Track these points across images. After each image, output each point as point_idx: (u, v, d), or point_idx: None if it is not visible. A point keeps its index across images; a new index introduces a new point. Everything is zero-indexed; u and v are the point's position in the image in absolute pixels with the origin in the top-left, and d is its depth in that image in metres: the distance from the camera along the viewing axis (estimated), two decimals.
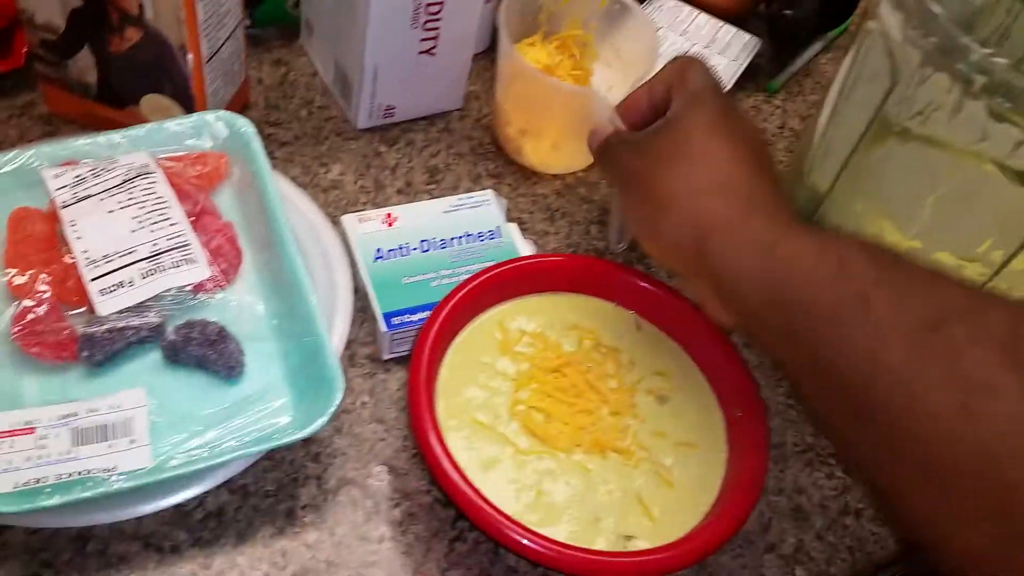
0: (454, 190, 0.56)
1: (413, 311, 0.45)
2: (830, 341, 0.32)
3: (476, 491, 0.37)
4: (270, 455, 0.42)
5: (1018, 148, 0.37)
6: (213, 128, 0.48)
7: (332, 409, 0.38)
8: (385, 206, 0.53)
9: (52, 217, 0.44)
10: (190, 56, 0.47)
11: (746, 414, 0.44)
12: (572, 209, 0.57)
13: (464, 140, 0.59)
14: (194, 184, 0.46)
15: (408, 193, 0.55)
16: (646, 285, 0.48)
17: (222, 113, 0.48)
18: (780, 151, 0.65)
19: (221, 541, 0.39)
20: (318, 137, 0.56)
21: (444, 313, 0.43)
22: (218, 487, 0.40)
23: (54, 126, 0.52)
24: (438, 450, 0.38)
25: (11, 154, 0.45)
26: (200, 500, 0.40)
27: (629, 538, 0.40)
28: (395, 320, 0.45)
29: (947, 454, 0.29)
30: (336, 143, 0.56)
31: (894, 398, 0.30)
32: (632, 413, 0.44)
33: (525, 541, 0.36)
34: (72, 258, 0.41)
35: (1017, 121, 0.37)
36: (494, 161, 0.58)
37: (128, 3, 0.45)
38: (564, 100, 0.54)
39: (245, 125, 0.48)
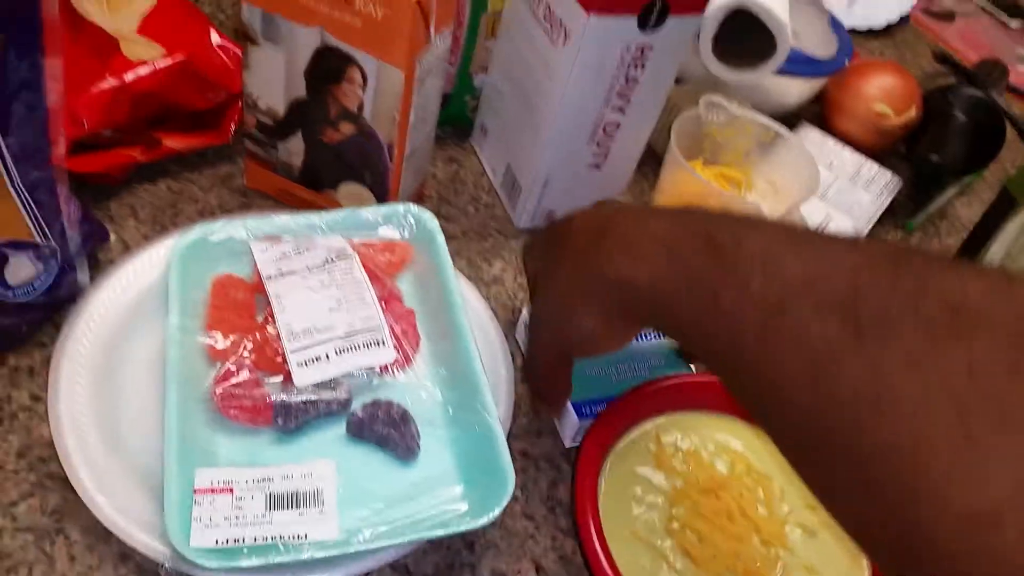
0: None
1: (598, 402, 0.47)
2: (699, 347, 0.33)
3: None
4: (446, 536, 0.43)
5: None
6: (403, 219, 0.51)
7: (506, 499, 0.39)
8: None
9: (253, 287, 0.47)
10: (395, 153, 0.50)
11: None
12: None
13: None
14: (383, 270, 0.49)
15: None
16: None
17: (412, 207, 0.51)
18: None
19: None
20: (483, 233, 0.59)
21: (606, 422, 0.45)
22: (383, 566, 0.41)
23: (249, 199, 0.56)
24: (604, 563, 0.39)
25: (220, 223, 0.49)
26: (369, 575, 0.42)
27: None
28: (584, 409, 0.47)
29: (812, 433, 0.28)
30: (499, 240, 0.59)
31: (759, 393, 0.30)
32: (782, 544, 0.44)
33: None
34: (273, 329, 0.44)
35: None
36: None
37: (350, 101, 0.49)
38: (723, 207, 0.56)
39: (431, 219, 0.51)
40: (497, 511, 0.39)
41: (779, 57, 0.59)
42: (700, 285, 0.32)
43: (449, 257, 0.49)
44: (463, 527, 0.39)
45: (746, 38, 0.58)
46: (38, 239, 0.42)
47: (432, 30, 0.46)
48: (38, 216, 0.42)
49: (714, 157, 0.61)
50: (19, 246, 0.42)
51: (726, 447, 0.48)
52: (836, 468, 0.28)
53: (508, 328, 0.54)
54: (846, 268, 0.29)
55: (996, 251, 0.49)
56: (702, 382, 0.50)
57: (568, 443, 0.49)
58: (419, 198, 0.58)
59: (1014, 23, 1.09)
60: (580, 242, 0.38)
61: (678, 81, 0.63)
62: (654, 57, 0.51)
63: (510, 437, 0.49)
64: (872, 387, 0.26)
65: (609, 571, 0.39)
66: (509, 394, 0.48)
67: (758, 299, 0.30)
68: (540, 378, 0.45)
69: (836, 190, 0.68)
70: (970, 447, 0.24)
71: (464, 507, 0.40)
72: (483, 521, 0.39)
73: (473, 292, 0.52)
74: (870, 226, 0.67)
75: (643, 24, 0.49)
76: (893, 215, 0.70)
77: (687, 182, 0.56)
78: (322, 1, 0.45)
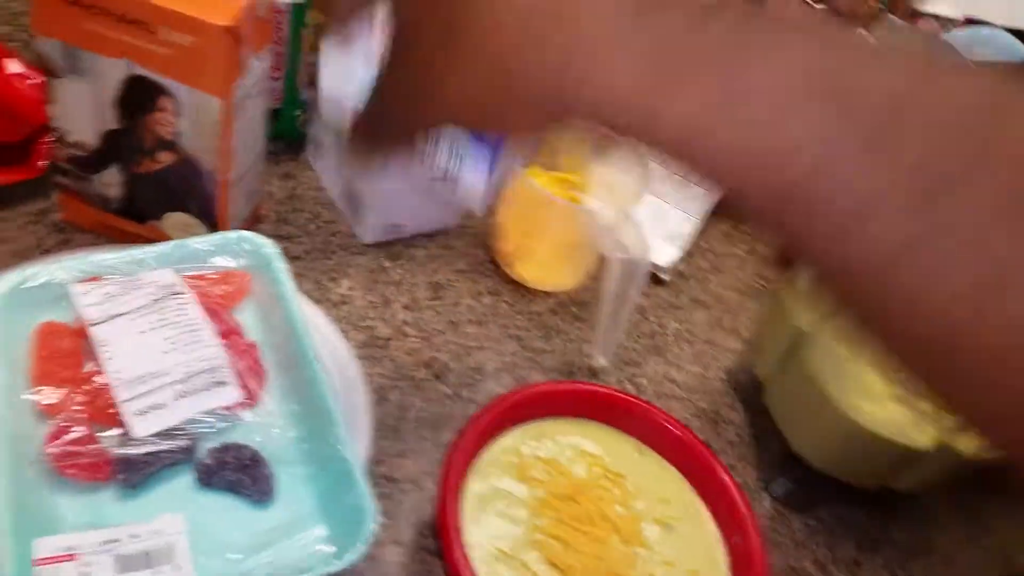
0: (455, 306, 0.58)
1: None
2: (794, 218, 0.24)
3: None
4: None
5: None
6: (236, 247, 0.49)
7: (367, 538, 0.39)
8: (393, 319, 0.55)
9: (79, 332, 0.44)
10: (219, 179, 0.48)
11: (745, 541, 0.46)
12: (566, 328, 0.60)
13: (462, 257, 0.61)
14: (219, 303, 0.47)
15: (414, 308, 0.57)
16: (646, 410, 0.50)
17: (246, 233, 0.49)
18: (749, 275, 0.70)
19: None
20: (326, 251, 0.58)
21: (467, 441, 0.45)
22: None
23: (68, 234, 0.52)
24: None
25: (36, 268, 0.45)
26: None
27: None
28: None
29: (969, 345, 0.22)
30: (344, 258, 0.58)
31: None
32: (640, 542, 0.46)
33: None
34: (103, 378, 0.42)
35: None
36: (491, 278, 0.61)
37: (165, 130, 0.46)
38: (560, 216, 0.57)
39: (268, 245, 0.49)
40: (361, 548, 0.39)
41: None
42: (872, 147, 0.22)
43: (291, 283, 0.48)
44: (323, 570, 0.38)
45: None
46: None
47: (246, 55, 0.44)
48: None
49: (552, 162, 0.62)
50: None
51: (582, 450, 0.49)
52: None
53: (362, 350, 0.53)
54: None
55: None
56: (557, 390, 0.50)
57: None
58: (255, 220, 0.56)
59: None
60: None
61: None
62: None
63: (372, 462, 0.48)
64: None
65: None
66: (367, 421, 0.47)
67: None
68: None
69: (669, 184, 0.70)
70: None
71: (327, 548, 0.39)
72: (346, 561, 0.38)
73: (321, 316, 0.51)
74: (702, 220, 0.70)
75: None
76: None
77: (526, 189, 0.57)
78: (124, 31, 0.42)
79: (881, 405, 0.49)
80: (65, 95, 0.46)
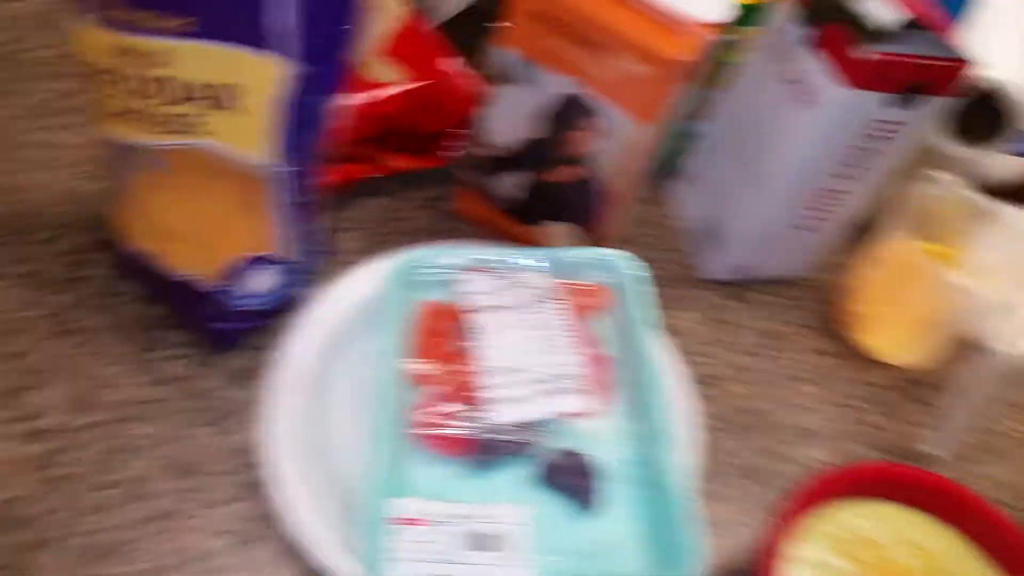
0: (790, 360, 0.57)
1: None
2: None
3: None
4: None
5: None
6: (610, 264, 0.52)
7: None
8: (725, 361, 0.55)
9: (458, 315, 0.49)
10: (614, 200, 0.51)
11: None
12: (905, 407, 0.57)
13: (799, 309, 0.60)
14: (584, 313, 0.50)
15: (748, 352, 0.56)
16: (988, 510, 0.46)
17: (623, 253, 0.51)
18: None
19: None
20: (673, 281, 0.59)
21: (800, 501, 0.44)
22: None
23: (455, 223, 0.58)
24: None
25: (429, 251, 0.50)
26: None
27: None
28: None
29: None
30: (686, 290, 0.59)
31: None
32: None
33: None
34: (474, 362, 0.46)
35: None
36: (830, 338, 0.59)
37: (583, 147, 0.50)
38: (931, 287, 0.53)
39: (636, 267, 0.51)
40: None
41: (1010, 134, 0.56)
42: None
43: (651, 308, 0.50)
44: None
45: (973, 110, 0.56)
46: (284, 254, 0.45)
47: (686, 88, 0.46)
48: (291, 234, 0.44)
49: (927, 231, 0.59)
50: (266, 261, 0.45)
51: (909, 539, 0.46)
52: None
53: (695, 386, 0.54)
54: None
55: None
56: (895, 471, 0.48)
57: None
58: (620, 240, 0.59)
59: None
60: None
61: None
62: (901, 131, 0.50)
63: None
64: None
65: None
66: (693, 456, 0.48)
67: None
68: None
69: None
70: None
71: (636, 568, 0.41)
72: None
73: (666, 345, 0.53)
74: None
75: (903, 103, 0.48)
76: None
77: (900, 251, 0.55)
78: (581, 52, 0.46)
79: None
80: (505, 101, 0.51)
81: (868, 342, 0.58)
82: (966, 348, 0.51)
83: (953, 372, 0.52)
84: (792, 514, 0.44)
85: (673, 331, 0.57)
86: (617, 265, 0.51)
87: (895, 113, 0.49)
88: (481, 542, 0.40)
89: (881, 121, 0.49)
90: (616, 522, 0.44)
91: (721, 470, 0.51)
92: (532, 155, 0.52)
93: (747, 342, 0.58)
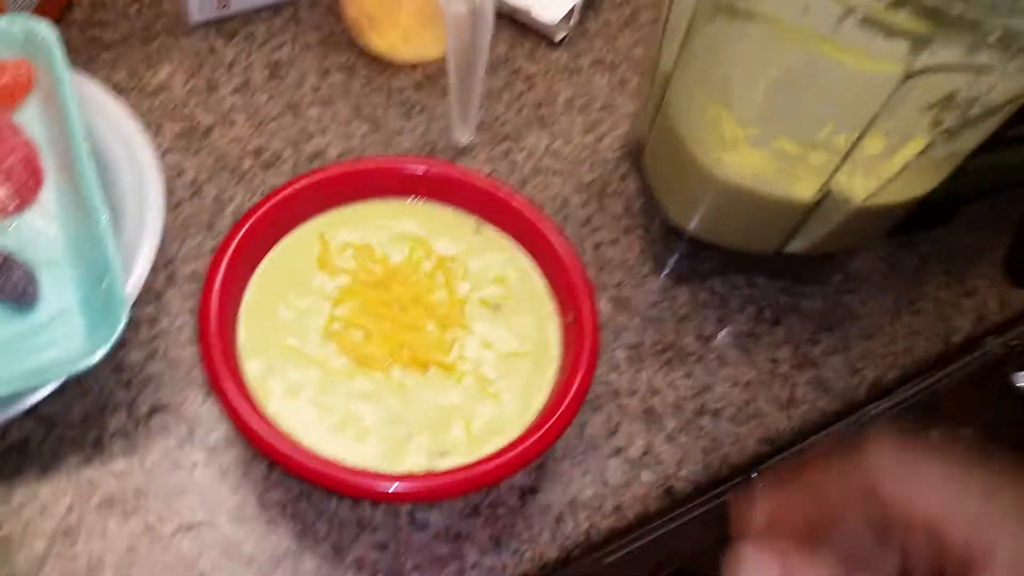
0: (298, 87, 0.52)
1: None
2: None
3: (259, 418, 0.35)
4: (80, 382, 0.40)
5: (840, 24, 0.33)
6: (11, 35, 0.44)
7: (114, 337, 0.36)
8: (219, 107, 0.49)
9: None
10: None
11: (577, 318, 0.41)
12: (432, 104, 0.53)
13: (313, 31, 0.54)
14: None
15: (244, 93, 0.51)
16: (486, 186, 0.44)
17: (17, 17, 0.44)
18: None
19: (23, 473, 0.38)
20: (147, 37, 0.52)
21: (251, 222, 0.40)
22: (22, 418, 0.38)
23: None
24: (226, 380, 0.36)
25: None
26: (2, 432, 0.39)
27: (443, 455, 0.38)
28: None
29: None
30: (167, 42, 0.52)
31: None
32: (461, 325, 0.42)
33: (290, 456, 0.35)
34: None
35: None
36: (346, 53, 0.54)
37: None
38: None
39: (45, 31, 0.44)
40: (102, 351, 0.36)
41: None
42: None
43: (68, 73, 0.43)
44: (79, 365, 0.35)
45: None
46: None
47: None
48: None
49: None
50: None
51: (405, 234, 0.44)
52: None
53: (176, 141, 0.48)
54: None
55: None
56: (377, 167, 0.45)
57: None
58: (59, 7, 0.50)
59: None
60: None
61: None
62: None
63: (174, 260, 0.45)
64: None
65: (236, 398, 0.36)
66: (157, 215, 0.43)
67: None
68: None
69: None
70: None
71: (78, 348, 0.37)
72: (98, 355, 0.36)
73: (119, 107, 0.46)
74: None
75: None
76: None
77: None
78: None
79: (743, 154, 0.41)
80: None
81: (380, 46, 0.53)
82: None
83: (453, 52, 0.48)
84: (236, 238, 0.40)
85: (152, 90, 0.50)
86: (21, 33, 0.44)
87: None
88: None
89: None
90: (52, 307, 0.39)
91: (222, 222, 0.46)
92: None
93: (252, 79, 0.52)
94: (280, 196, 0.41)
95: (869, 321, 0.50)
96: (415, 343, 0.41)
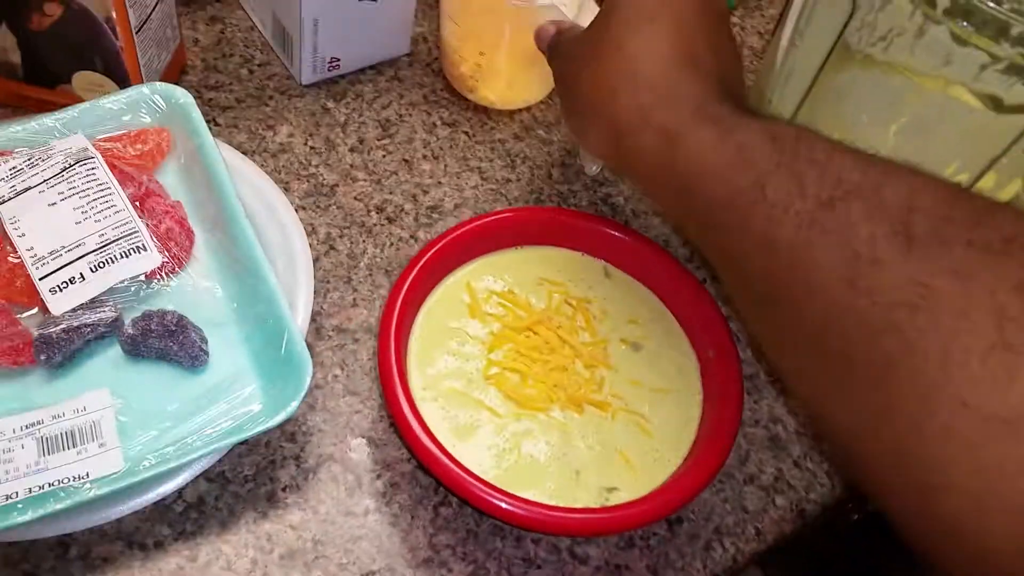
0: (409, 143, 0.54)
1: None
2: (730, 229, 0.32)
3: (450, 457, 0.37)
4: (245, 440, 0.41)
5: (982, 72, 0.36)
6: (150, 102, 0.45)
7: (303, 393, 0.37)
8: (339, 164, 0.51)
9: None
10: (118, 28, 0.44)
11: (718, 354, 0.43)
12: (533, 153, 0.55)
13: (415, 88, 0.57)
14: (136, 164, 0.44)
15: (361, 151, 0.53)
16: (612, 231, 0.47)
17: (157, 85, 0.46)
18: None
19: (205, 532, 0.39)
20: (262, 98, 0.54)
21: (410, 280, 0.42)
22: (196, 478, 0.39)
23: None
24: (413, 422, 0.38)
25: None
26: (179, 493, 0.40)
27: (612, 490, 0.40)
28: None
29: (835, 329, 0.29)
30: (281, 102, 0.54)
31: (789, 279, 0.30)
32: (606, 364, 0.44)
33: (498, 503, 0.36)
34: (17, 257, 0.40)
35: (980, 44, 0.36)
36: (448, 108, 0.56)
37: None
38: (517, 19, 0.51)
39: (183, 96, 0.45)
40: (294, 405, 0.37)
41: None
42: (749, 167, 0.32)
43: (209, 135, 0.44)
44: (256, 429, 0.37)
45: None
46: None
47: None
48: None
49: None
50: None
51: (544, 279, 0.46)
52: (855, 365, 0.28)
53: (306, 199, 0.50)
54: (905, 185, 0.29)
55: (791, 18, 0.46)
56: (511, 217, 0.47)
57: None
58: (178, 72, 0.52)
59: None
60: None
61: None
62: None
63: (320, 315, 0.46)
64: (913, 291, 0.26)
65: (420, 432, 0.37)
66: (309, 271, 0.45)
67: (810, 192, 0.30)
68: None
69: None
70: (1004, 354, 0.24)
71: (257, 407, 0.38)
72: (277, 420, 0.37)
73: (252, 166, 0.48)
74: None
75: None
76: None
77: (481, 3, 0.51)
78: None
79: None
80: None
81: (488, 97, 0.56)
82: None
83: None
84: (400, 291, 0.42)
85: (275, 150, 0.52)
86: (161, 100, 0.45)
87: None
88: (57, 443, 0.36)
89: None
90: (225, 368, 0.40)
91: (358, 275, 0.48)
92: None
93: (366, 137, 0.54)
94: (435, 248, 0.43)
95: None
96: (568, 383, 0.42)
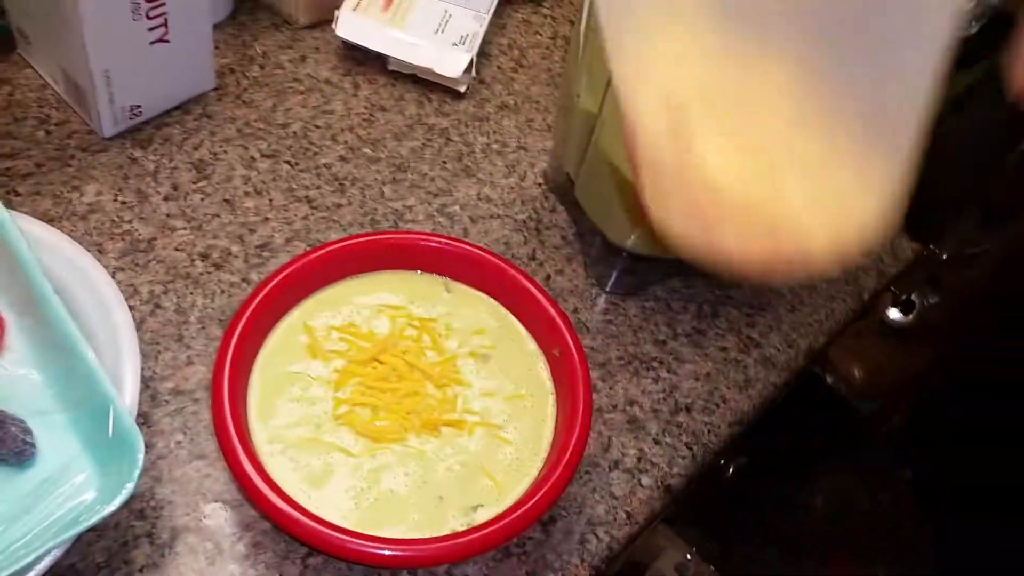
0: (228, 181, 0.52)
1: None
2: None
3: (302, 511, 0.36)
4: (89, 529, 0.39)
5: None
6: None
7: (136, 472, 0.36)
8: (154, 216, 0.49)
9: None
10: None
11: (564, 350, 0.44)
12: (361, 174, 0.55)
13: (227, 123, 0.55)
14: None
15: (176, 197, 0.51)
16: (447, 245, 0.47)
17: None
18: (558, 63, 0.64)
19: None
20: (63, 158, 0.51)
21: (239, 330, 0.41)
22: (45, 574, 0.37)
23: None
24: (257, 481, 0.36)
25: None
26: None
27: (476, 508, 0.40)
28: None
29: None
30: (85, 160, 0.51)
31: None
32: (458, 381, 0.44)
33: (359, 548, 0.35)
34: None
35: None
36: (265, 138, 0.55)
37: None
38: None
39: None
40: (129, 487, 0.35)
41: None
42: None
43: (4, 211, 0.41)
44: (92, 520, 0.35)
45: None
46: None
47: None
48: None
49: None
50: None
51: (382, 306, 0.45)
52: None
53: (123, 259, 0.47)
54: None
55: (584, 10, 0.47)
56: (332, 251, 0.46)
57: None
58: None
59: None
60: None
61: None
62: None
63: (154, 379, 0.44)
64: None
65: (266, 491, 0.36)
66: (131, 338, 0.42)
67: None
68: None
69: None
70: None
71: (92, 494, 0.36)
72: (114, 505, 0.35)
73: (58, 236, 0.45)
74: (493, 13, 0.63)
75: None
76: None
77: None
78: None
79: None
80: None
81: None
82: None
83: None
84: (230, 344, 0.40)
85: (83, 212, 0.49)
86: None
87: None
88: None
89: None
90: (55, 458, 0.38)
91: (189, 331, 0.46)
92: None
93: (180, 182, 0.51)
94: (263, 293, 0.42)
95: (792, 296, 0.56)
96: (421, 408, 0.42)
